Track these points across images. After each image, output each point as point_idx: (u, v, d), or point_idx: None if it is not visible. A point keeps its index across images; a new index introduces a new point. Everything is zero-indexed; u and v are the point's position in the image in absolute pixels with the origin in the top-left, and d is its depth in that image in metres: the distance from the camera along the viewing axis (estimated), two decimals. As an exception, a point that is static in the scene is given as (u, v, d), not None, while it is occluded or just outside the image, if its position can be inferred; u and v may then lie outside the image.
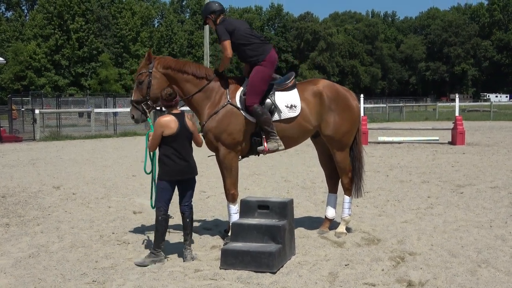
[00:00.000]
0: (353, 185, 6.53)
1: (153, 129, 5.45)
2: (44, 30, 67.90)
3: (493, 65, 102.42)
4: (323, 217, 6.75)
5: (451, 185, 9.72)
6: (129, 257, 5.58)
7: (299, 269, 5.04)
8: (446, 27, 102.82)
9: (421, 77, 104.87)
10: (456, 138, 17.66)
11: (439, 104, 51.93)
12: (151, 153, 5.60)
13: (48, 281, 4.84)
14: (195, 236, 6.25)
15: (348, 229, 6.47)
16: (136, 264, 5.29)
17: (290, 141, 6.19)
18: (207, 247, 5.94)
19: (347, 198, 6.48)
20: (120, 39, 74.09)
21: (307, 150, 15.23)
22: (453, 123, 18.43)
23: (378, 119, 37.72)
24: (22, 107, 28.62)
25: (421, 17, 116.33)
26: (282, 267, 5.10)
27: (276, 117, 6.02)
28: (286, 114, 6.04)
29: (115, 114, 30.66)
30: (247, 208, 5.57)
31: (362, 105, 19.41)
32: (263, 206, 5.51)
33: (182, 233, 5.57)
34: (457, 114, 19.22)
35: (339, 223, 6.52)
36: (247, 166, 12.06)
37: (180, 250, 5.60)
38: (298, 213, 7.39)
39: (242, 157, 6.23)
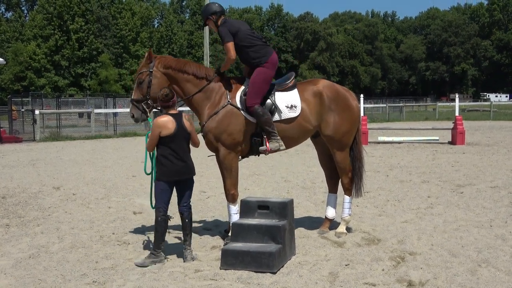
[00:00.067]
0: (353, 185, 6.53)
1: None
2: (44, 31, 67.95)
3: (493, 65, 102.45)
4: (323, 217, 6.75)
5: (451, 185, 9.72)
6: (129, 258, 5.58)
7: (299, 269, 5.04)
8: (446, 27, 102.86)
9: (421, 77, 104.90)
10: (456, 138, 17.66)
11: (439, 104, 51.93)
12: (151, 153, 5.59)
13: (48, 281, 4.84)
14: (195, 236, 6.24)
15: (348, 229, 6.47)
16: (136, 265, 5.29)
17: (290, 141, 6.19)
18: (207, 248, 5.94)
19: (347, 198, 6.48)
20: (120, 40, 74.13)
21: (307, 150, 15.23)
22: (453, 123, 18.44)
23: (378, 119, 37.72)
24: (22, 108, 28.64)
25: (421, 17, 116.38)
26: (282, 267, 5.10)
27: (276, 117, 6.02)
28: (287, 114, 6.04)
29: (115, 114, 30.66)
30: (247, 208, 5.57)
31: (362, 105, 19.40)
32: (263, 206, 5.51)
33: (182, 234, 5.57)
34: (457, 114, 19.22)
35: (339, 223, 6.52)
36: (247, 166, 12.06)
37: (180, 250, 5.60)
38: (298, 213, 7.39)
39: (242, 158, 6.23)
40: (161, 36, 79.95)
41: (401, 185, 9.89)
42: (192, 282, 4.75)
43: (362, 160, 6.59)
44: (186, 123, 5.42)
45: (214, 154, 6.16)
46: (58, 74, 69.23)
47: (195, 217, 7.22)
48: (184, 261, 5.36)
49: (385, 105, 42.43)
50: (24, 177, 11.45)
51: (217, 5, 6.15)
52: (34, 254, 5.72)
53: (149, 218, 7.23)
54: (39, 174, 11.99)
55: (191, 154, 5.53)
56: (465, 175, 10.91)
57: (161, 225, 5.35)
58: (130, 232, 6.66)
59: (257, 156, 6.32)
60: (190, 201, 5.55)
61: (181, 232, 5.60)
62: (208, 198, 8.89)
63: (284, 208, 5.44)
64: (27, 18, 78.21)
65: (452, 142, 18.04)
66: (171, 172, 5.32)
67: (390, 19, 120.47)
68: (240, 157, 6.14)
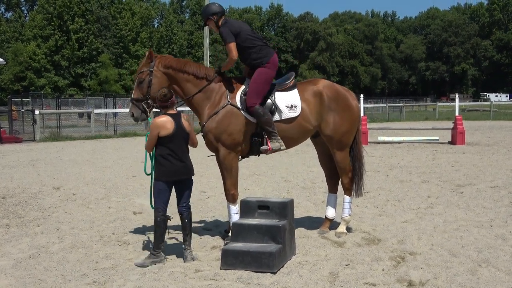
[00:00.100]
0: (353, 185, 6.53)
1: None
2: (44, 31, 67.94)
3: (493, 65, 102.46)
4: (323, 217, 6.75)
5: (451, 185, 9.72)
6: (130, 258, 5.58)
7: (299, 269, 5.04)
8: (446, 27, 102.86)
9: (421, 77, 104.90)
10: (456, 137, 17.66)
11: (439, 104, 51.95)
12: (151, 153, 5.58)
13: (48, 282, 4.84)
14: (195, 236, 6.25)
15: (349, 229, 6.47)
16: (136, 265, 5.28)
17: (290, 141, 6.19)
18: (207, 248, 5.94)
19: (347, 198, 6.48)
20: (120, 40, 74.12)
21: (307, 150, 15.23)
22: (453, 122, 18.44)
23: (378, 119, 37.72)
24: (22, 108, 28.63)
25: (421, 17, 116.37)
26: (282, 267, 5.10)
27: (276, 117, 6.02)
28: (287, 114, 6.04)
29: (115, 114, 30.67)
30: (247, 208, 5.57)
31: (362, 105, 19.41)
32: (263, 206, 5.51)
33: (182, 234, 5.57)
34: (457, 113, 19.22)
35: (339, 223, 6.52)
36: (247, 166, 12.06)
37: (180, 250, 5.60)
38: (298, 213, 7.39)
39: (242, 158, 6.22)
40: (161, 36, 79.94)
41: (401, 185, 9.89)
42: (192, 282, 4.75)
43: (362, 160, 6.59)
44: (184, 123, 5.42)
45: (214, 154, 6.16)
46: (58, 74, 69.23)
47: (195, 217, 7.22)
48: (184, 261, 5.36)
49: (385, 105, 42.44)
50: (24, 177, 11.45)
51: (218, 5, 6.14)
52: (34, 254, 5.72)
53: (149, 218, 7.22)
54: (39, 174, 11.99)
55: (191, 154, 5.53)
56: (465, 175, 10.91)
57: (160, 225, 5.35)
58: (130, 232, 6.66)
59: (257, 156, 6.32)
60: (189, 201, 5.54)
61: (181, 232, 5.60)
62: (208, 198, 8.89)
63: (284, 208, 5.44)
64: (27, 18, 78.21)
65: (452, 142, 18.04)
66: (170, 172, 5.31)
67: (390, 19, 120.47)
68: (240, 157, 6.14)
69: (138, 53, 72.08)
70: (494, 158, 13.63)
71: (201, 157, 12.17)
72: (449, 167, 12.22)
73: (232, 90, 6.04)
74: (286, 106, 6.05)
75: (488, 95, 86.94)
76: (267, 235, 5.22)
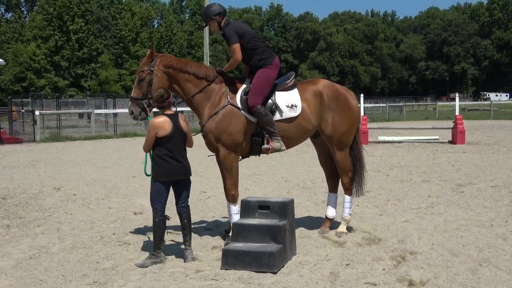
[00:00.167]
0: (354, 185, 6.53)
1: None
2: (44, 31, 67.93)
3: (493, 64, 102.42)
4: (324, 217, 6.74)
5: (451, 184, 9.71)
6: (130, 258, 5.58)
7: (300, 269, 5.03)
8: (446, 26, 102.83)
9: (421, 76, 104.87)
10: (456, 137, 17.66)
11: (439, 103, 51.97)
12: (151, 154, 5.57)
13: (49, 282, 4.84)
14: (196, 236, 6.25)
15: (349, 229, 6.47)
16: (136, 266, 5.28)
17: (290, 141, 6.19)
18: (208, 248, 5.94)
19: (347, 197, 6.48)
20: (120, 40, 74.11)
21: (307, 150, 15.22)
22: (453, 122, 18.44)
23: (378, 118, 37.72)
24: (22, 109, 28.67)
25: (420, 16, 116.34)
26: (283, 267, 5.10)
27: (277, 116, 6.01)
28: (287, 114, 6.04)
29: (115, 115, 30.67)
30: (247, 208, 5.57)
31: (362, 104, 19.42)
32: (264, 206, 5.51)
33: (182, 234, 5.57)
34: (457, 113, 19.23)
35: (339, 223, 6.52)
36: (247, 166, 12.06)
37: (181, 250, 5.60)
38: (299, 213, 7.39)
39: (243, 158, 6.22)
40: (161, 37, 79.94)
41: (401, 184, 9.89)
42: (193, 282, 4.75)
43: (362, 160, 6.59)
44: (182, 123, 5.41)
45: (214, 154, 6.16)
46: (58, 74, 69.23)
47: (196, 217, 7.23)
48: (184, 261, 5.36)
49: (385, 105, 42.44)
50: (25, 178, 11.45)
51: (220, 5, 6.12)
52: (34, 255, 5.72)
53: (150, 218, 7.18)
54: (39, 174, 12.00)
55: (190, 154, 5.52)
56: (466, 174, 10.91)
57: (159, 225, 5.34)
58: (130, 232, 6.66)
59: (257, 156, 6.32)
60: (188, 202, 5.54)
61: (181, 232, 5.59)
62: (209, 198, 8.89)
63: (284, 208, 5.44)
64: (27, 19, 78.21)
65: (453, 142, 18.04)
66: (168, 172, 5.31)
67: (390, 18, 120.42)
68: (240, 157, 6.14)
69: (138, 53, 72.07)
70: (494, 158, 13.63)
71: (201, 157, 12.16)
72: (449, 166, 12.22)
73: (232, 90, 6.04)
74: (286, 105, 6.05)
75: (488, 95, 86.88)
76: (267, 235, 5.22)
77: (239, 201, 5.94)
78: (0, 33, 70.72)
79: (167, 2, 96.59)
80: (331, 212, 6.54)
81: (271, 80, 6.04)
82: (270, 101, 6.03)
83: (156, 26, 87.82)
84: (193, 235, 5.81)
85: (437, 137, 18.84)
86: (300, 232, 6.31)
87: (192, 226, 6.25)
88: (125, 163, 14.07)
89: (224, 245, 5.62)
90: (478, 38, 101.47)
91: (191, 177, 5.59)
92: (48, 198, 9.11)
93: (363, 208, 7.85)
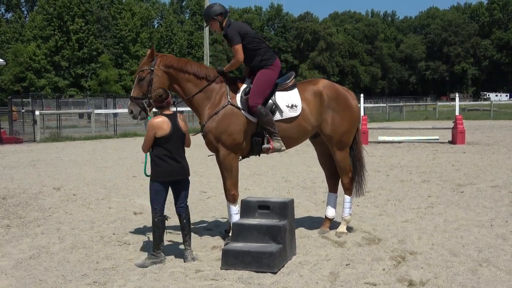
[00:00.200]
0: (354, 185, 6.53)
1: None
2: (44, 31, 67.93)
3: (493, 64, 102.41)
4: (324, 217, 6.74)
5: (451, 184, 9.71)
6: (130, 258, 5.58)
7: (300, 269, 5.03)
8: (446, 26, 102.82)
9: (421, 76, 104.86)
10: (456, 137, 17.66)
11: (439, 103, 51.96)
12: (150, 154, 5.57)
13: (49, 282, 4.84)
14: (195, 236, 6.25)
15: (349, 229, 6.47)
16: (136, 266, 5.28)
17: (290, 141, 6.19)
18: (207, 248, 5.94)
19: (347, 197, 6.48)
20: (120, 40, 74.11)
21: (307, 150, 15.22)
22: (453, 122, 18.44)
23: (378, 118, 37.73)
24: (22, 109, 28.65)
25: (420, 16, 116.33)
26: (283, 267, 5.10)
27: (277, 116, 6.01)
28: (287, 114, 6.04)
29: (115, 115, 30.67)
30: (247, 208, 5.57)
31: (362, 104, 19.42)
32: (264, 206, 5.51)
33: (181, 234, 5.57)
34: (457, 113, 19.23)
35: (339, 223, 6.52)
36: (247, 166, 12.06)
37: (180, 250, 5.60)
38: (299, 213, 7.39)
39: (243, 158, 6.22)
40: (161, 37, 79.93)
41: (401, 184, 9.89)
42: (193, 282, 4.75)
43: (362, 160, 6.59)
44: (181, 123, 5.41)
45: (214, 154, 6.16)
46: (58, 74, 69.24)
47: (196, 217, 7.23)
48: (184, 262, 5.36)
49: (385, 105, 42.44)
50: (25, 178, 11.45)
51: (221, 5, 6.10)
52: (34, 255, 5.72)
53: (150, 218, 7.21)
54: (39, 174, 12.00)
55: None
56: (466, 174, 10.91)
57: (158, 226, 5.34)
58: (130, 232, 6.66)
59: (257, 156, 6.32)
60: (186, 202, 5.53)
61: (180, 232, 5.59)
62: (209, 198, 8.89)
63: (284, 208, 5.44)
64: (27, 19, 78.21)
65: (453, 142, 18.04)
66: (167, 172, 5.30)
67: (390, 18, 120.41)
68: (240, 157, 6.14)
69: (138, 53, 72.08)
70: (494, 158, 13.63)
71: (201, 157, 12.16)
72: (449, 166, 12.22)
73: (232, 90, 6.03)
74: (286, 105, 6.05)
75: (488, 95, 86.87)
76: (267, 235, 5.22)
77: (239, 201, 5.94)
78: (0, 33, 70.72)
79: (167, 2, 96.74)
80: (331, 212, 6.54)
81: (272, 81, 6.04)
82: (270, 101, 6.03)
83: (156, 26, 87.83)
84: (193, 235, 5.81)
85: (437, 137, 18.84)
86: (300, 232, 6.31)
87: (192, 226, 6.26)
88: (125, 163, 14.07)
89: (224, 245, 5.62)
90: (478, 38, 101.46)
91: (190, 177, 5.59)
92: (48, 198, 9.11)
93: (363, 208, 7.85)
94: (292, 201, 5.67)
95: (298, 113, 6.06)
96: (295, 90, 6.17)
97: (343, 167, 6.39)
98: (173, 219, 6.53)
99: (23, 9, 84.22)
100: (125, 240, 6.29)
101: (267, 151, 5.97)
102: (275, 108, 6.02)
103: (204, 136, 6.01)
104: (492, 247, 5.66)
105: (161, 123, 5.27)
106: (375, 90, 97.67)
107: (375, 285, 4.63)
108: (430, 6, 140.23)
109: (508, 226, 6.58)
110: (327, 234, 6.31)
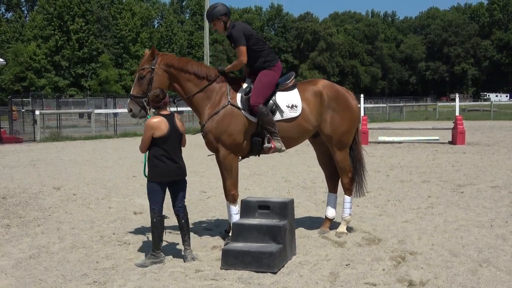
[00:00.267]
0: (354, 185, 6.53)
1: None
2: (44, 31, 67.96)
3: (493, 65, 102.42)
4: (324, 217, 6.74)
5: (451, 185, 9.71)
6: (130, 258, 5.58)
7: (300, 269, 5.03)
8: (446, 26, 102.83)
9: (421, 77, 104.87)
10: (457, 137, 17.66)
11: (439, 103, 51.95)
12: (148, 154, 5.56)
13: (49, 281, 4.84)
14: (195, 236, 6.25)
15: (349, 229, 6.47)
16: (136, 266, 5.28)
17: (290, 141, 6.19)
18: (207, 248, 5.94)
19: (347, 198, 6.48)
20: (120, 40, 74.14)
21: (307, 150, 15.21)
22: (453, 122, 18.44)
23: (378, 119, 37.74)
24: (23, 108, 28.61)
25: (421, 17, 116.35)
26: (283, 267, 5.10)
27: (278, 116, 6.01)
28: (288, 114, 6.04)
29: (115, 114, 30.67)
30: (247, 208, 5.57)
31: (362, 105, 19.42)
32: (264, 206, 5.51)
33: (180, 235, 5.56)
34: (457, 113, 19.22)
35: (339, 223, 6.52)
36: (247, 166, 12.06)
37: (180, 250, 5.60)
38: (299, 213, 7.39)
39: (242, 158, 6.22)
40: (161, 36, 79.96)
41: (401, 185, 9.89)
42: (192, 282, 4.75)
43: (362, 160, 6.59)
44: (178, 123, 5.41)
45: (214, 154, 6.16)
46: (58, 74, 69.26)
47: (196, 217, 7.23)
48: (184, 261, 5.36)
49: (385, 105, 42.46)
50: (25, 178, 11.45)
51: (225, 6, 6.09)
52: (34, 254, 5.72)
53: (149, 218, 7.22)
54: (39, 174, 12.00)
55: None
56: (466, 175, 10.91)
57: (157, 226, 5.34)
58: (130, 232, 6.66)
59: (257, 156, 6.32)
60: (184, 202, 5.53)
61: (179, 233, 5.59)
62: (209, 198, 8.89)
63: (284, 208, 5.44)
64: (27, 18, 78.22)
65: (453, 142, 18.04)
66: (164, 173, 5.30)
67: (390, 19, 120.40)
68: (240, 157, 6.14)
69: (138, 53, 72.04)
70: (494, 158, 13.63)
71: (201, 157, 12.15)
72: (449, 167, 12.22)
73: (232, 90, 6.03)
74: (286, 106, 6.05)
75: (488, 95, 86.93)
76: (267, 235, 5.22)
77: (239, 201, 5.94)
78: (1, 32, 70.73)
79: (167, 2, 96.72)
80: (331, 212, 6.54)
81: (274, 82, 6.06)
82: (270, 101, 6.03)
83: (156, 26, 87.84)
84: (193, 235, 5.81)
85: (437, 138, 18.84)
86: (300, 232, 6.31)
87: (192, 226, 6.27)
88: (125, 163, 14.07)
89: (224, 245, 5.62)
90: (478, 38, 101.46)
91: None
92: (48, 197, 9.11)
93: (363, 208, 7.85)
94: (292, 201, 5.67)
95: (299, 113, 6.06)
96: (295, 90, 6.17)
97: (343, 167, 6.39)
98: (172, 219, 6.52)
99: (23, 8, 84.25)
100: (125, 240, 6.29)
101: (269, 150, 5.97)
102: (276, 108, 6.02)
103: (204, 136, 6.01)
104: (492, 247, 5.66)
105: (158, 123, 5.27)
106: (375, 90, 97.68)
107: (375, 285, 4.63)
108: (430, 6, 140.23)
109: (508, 226, 6.58)
110: (327, 234, 6.32)
